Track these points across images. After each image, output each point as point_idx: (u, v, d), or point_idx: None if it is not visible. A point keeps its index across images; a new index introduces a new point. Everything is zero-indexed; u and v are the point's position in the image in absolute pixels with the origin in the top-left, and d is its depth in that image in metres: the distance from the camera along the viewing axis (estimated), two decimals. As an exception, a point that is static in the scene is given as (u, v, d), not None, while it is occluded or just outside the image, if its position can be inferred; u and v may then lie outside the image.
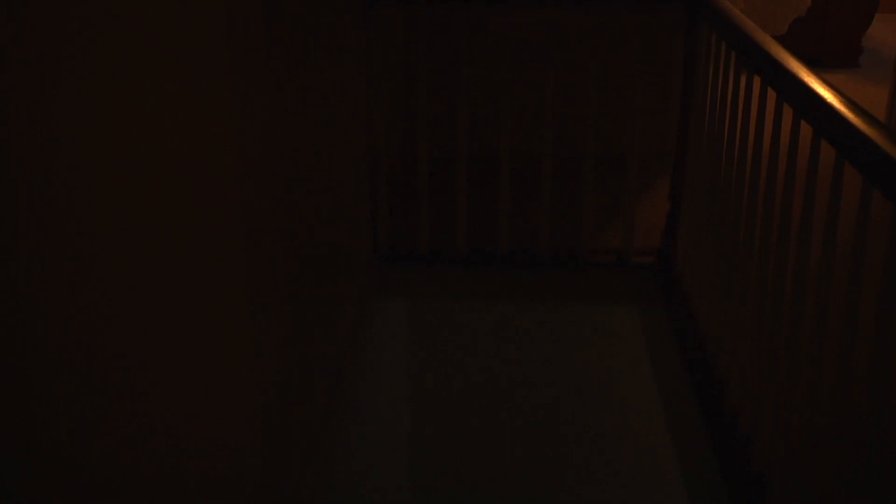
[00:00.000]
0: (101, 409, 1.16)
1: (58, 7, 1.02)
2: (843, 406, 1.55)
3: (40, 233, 1.01)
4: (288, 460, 2.14)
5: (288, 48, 2.10)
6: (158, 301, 1.34)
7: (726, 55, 2.38)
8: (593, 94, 3.02)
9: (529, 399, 5.50)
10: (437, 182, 3.27)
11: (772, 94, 1.96)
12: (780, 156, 1.92)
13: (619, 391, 5.37)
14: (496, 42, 3.12)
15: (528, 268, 3.23)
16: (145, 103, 1.28)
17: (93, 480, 1.13)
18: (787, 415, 1.80)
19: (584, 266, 3.20)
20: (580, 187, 3.11)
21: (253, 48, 1.81)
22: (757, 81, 2.08)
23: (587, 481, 5.69)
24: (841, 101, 1.59)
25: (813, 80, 1.73)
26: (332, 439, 2.56)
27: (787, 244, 1.89)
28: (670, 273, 3.04)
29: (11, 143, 0.95)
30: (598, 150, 3.15)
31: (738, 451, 2.06)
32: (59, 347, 1.03)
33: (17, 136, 0.96)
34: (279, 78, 2.03)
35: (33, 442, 0.98)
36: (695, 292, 2.69)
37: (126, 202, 1.22)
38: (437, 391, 5.48)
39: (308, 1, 2.23)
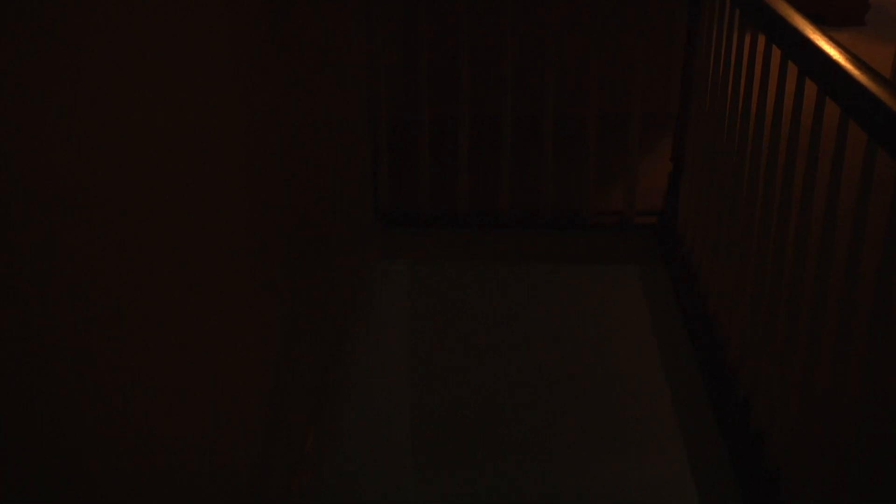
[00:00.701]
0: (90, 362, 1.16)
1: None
2: (842, 366, 1.55)
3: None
4: (290, 419, 2.16)
5: (287, 10, 2.08)
6: (158, 269, 1.34)
7: (730, 13, 2.36)
8: (595, 54, 2.99)
9: (530, 358, 5.54)
10: (439, 143, 3.25)
11: (776, 53, 1.95)
12: (785, 115, 1.90)
13: (620, 351, 5.39)
14: (498, 1, 3.09)
15: (530, 229, 3.22)
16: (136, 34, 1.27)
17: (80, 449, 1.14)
18: (786, 373, 1.81)
19: (585, 227, 3.19)
20: (582, 148, 3.09)
21: (252, 9, 1.80)
22: (761, 40, 2.06)
23: (586, 436, 5.74)
24: (847, 59, 1.58)
25: (818, 38, 1.71)
26: (334, 399, 2.58)
27: (789, 203, 1.88)
28: (672, 234, 3.04)
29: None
30: (600, 111, 3.13)
31: (738, 408, 2.07)
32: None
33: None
34: (278, 38, 2.02)
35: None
36: (696, 252, 2.69)
37: (129, 142, 1.22)
38: (438, 351, 5.51)
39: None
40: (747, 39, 2.19)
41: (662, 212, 3.16)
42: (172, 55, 1.39)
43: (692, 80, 2.85)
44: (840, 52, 1.61)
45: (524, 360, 5.54)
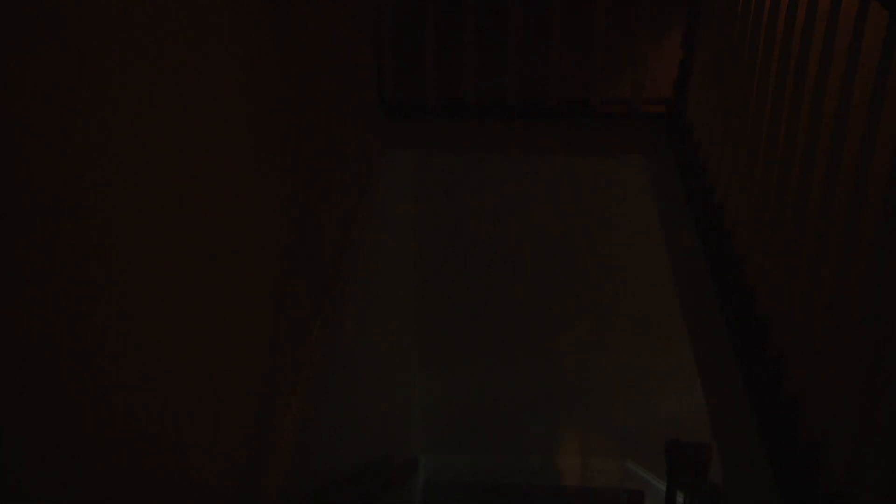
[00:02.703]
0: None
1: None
2: (849, 255, 1.55)
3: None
4: (295, 310, 2.19)
5: None
6: (162, 145, 1.33)
7: None
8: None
9: (536, 250, 5.57)
10: (444, 32, 3.18)
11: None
12: (801, -2, 1.85)
13: (626, 242, 5.42)
14: None
15: (537, 118, 3.18)
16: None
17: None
18: (793, 262, 1.81)
19: (593, 116, 3.16)
20: (591, 35, 3.02)
21: None
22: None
23: (592, 330, 5.82)
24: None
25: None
26: (341, 293, 2.60)
27: (802, 91, 1.85)
28: (681, 123, 3.00)
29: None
30: (609, -4, 3.06)
31: (744, 297, 2.09)
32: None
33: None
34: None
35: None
36: (705, 142, 2.66)
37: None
38: (444, 243, 5.54)
39: None
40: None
41: (671, 100, 3.11)
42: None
43: (705, -37, 2.77)
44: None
45: (530, 251, 5.58)
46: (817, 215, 1.71)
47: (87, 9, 1.06)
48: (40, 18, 0.95)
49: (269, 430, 1.90)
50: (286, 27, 2.02)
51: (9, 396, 0.94)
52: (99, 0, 1.10)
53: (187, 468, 1.45)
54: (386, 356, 4.15)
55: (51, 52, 0.97)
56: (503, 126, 3.20)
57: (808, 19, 1.80)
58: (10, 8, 0.89)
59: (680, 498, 3.91)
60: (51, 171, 1.00)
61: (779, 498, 1.66)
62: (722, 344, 2.14)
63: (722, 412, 2.16)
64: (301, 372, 2.17)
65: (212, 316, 1.55)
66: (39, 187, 0.97)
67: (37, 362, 0.99)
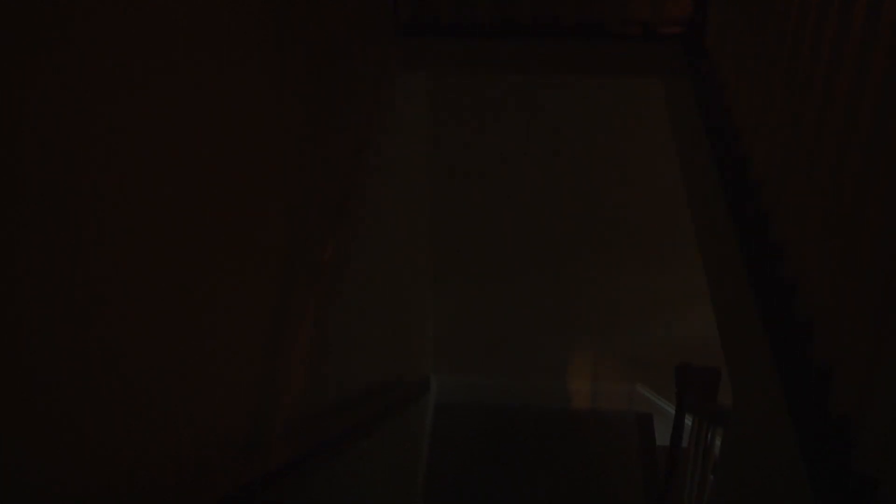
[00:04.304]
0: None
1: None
2: (870, 175, 1.53)
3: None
4: (311, 228, 2.19)
5: None
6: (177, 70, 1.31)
7: None
8: None
9: (550, 172, 5.54)
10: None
11: None
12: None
13: (642, 165, 5.38)
14: None
15: (552, 38, 3.12)
16: None
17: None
18: (810, 186, 1.79)
19: (609, 37, 3.09)
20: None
21: None
22: None
23: (607, 250, 5.82)
24: None
25: None
26: (352, 209, 2.60)
27: (828, 9, 1.80)
28: (699, 45, 2.94)
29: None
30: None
31: (759, 220, 2.08)
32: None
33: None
34: None
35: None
36: (724, 64, 2.61)
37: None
38: (458, 163, 5.51)
39: None
40: None
41: (690, 22, 3.04)
42: None
43: None
44: None
45: (545, 173, 5.55)
46: (838, 137, 1.68)
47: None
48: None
49: (283, 350, 1.92)
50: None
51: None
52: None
53: (201, 386, 1.47)
54: (400, 277, 4.17)
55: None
56: (517, 46, 3.14)
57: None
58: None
59: (688, 420, 3.96)
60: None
61: (788, 420, 1.67)
62: (735, 268, 2.13)
63: (734, 335, 2.16)
64: (314, 289, 2.18)
65: (226, 233, 1.55)
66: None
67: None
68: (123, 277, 1.14)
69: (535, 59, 3.19)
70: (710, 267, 2.47)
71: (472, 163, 5.53)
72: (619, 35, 3.09)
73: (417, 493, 5.19)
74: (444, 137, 5.42)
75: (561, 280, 5.95)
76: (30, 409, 0.98)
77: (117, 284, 1.13)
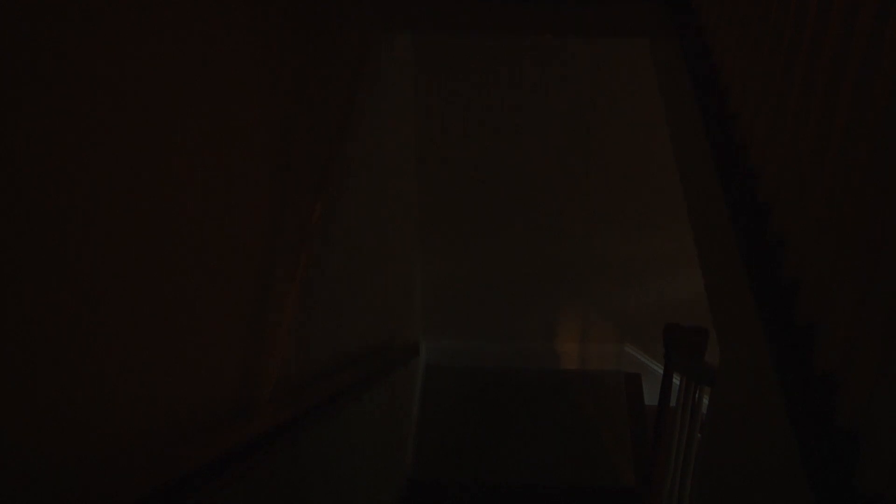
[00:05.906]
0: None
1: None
2: (855, 133, 1.53)
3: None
4: (297, 193, 2.18)
5: None
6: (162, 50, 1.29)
7: None
8: None
9: (539, 136, 5.52)
10: None
11: None
12: None
13: (629, 129, 5.36)
14: None
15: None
16: None
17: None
18: (798, 147, 1.79)
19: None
20: None
21: None
22: None
23: (595, 216, 5.82)
24: None
25: None
26: (339, 172, 2.59)
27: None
28: (686, 5, 2.92)
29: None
30: None
31: (746, 179, 2.08)
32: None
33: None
34: None
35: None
36: (711, 23, 2.60)
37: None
38: (443, 127, 5.49)
39: None
40: None
41: (678, -21, 3.02)
42: None
43: None
44: None
45: (533, 137, 5.53)
46: (826, 93, 1.68)
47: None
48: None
49: (269, 311, 1.92)
50: None
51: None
52: None
53: (186, 348, 1.47)
54: (388, 241, 4.16)
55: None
56: (502, 5, 3.11)
57: None
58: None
59: (676, 380, 3.99)
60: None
61: (773, 378, 1.68)
62: (723, 228, 2.14)
63: (721, 295, 2.17)
64: (302, 250, 2.18)
65: (210, 193, 1.54)
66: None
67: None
68: (101, 239, 1.14)
69: (520, 20, 3.17)
70: (699, 227, 2.47)
71: (459, 126, 5.50)
72: (607, -6, 3.07)
73: (408, 454, 5.24)
74: (431, 101, 5.39)
75: (550, 242, 5.96)
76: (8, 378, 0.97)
77: (95, 247, 1.12)
